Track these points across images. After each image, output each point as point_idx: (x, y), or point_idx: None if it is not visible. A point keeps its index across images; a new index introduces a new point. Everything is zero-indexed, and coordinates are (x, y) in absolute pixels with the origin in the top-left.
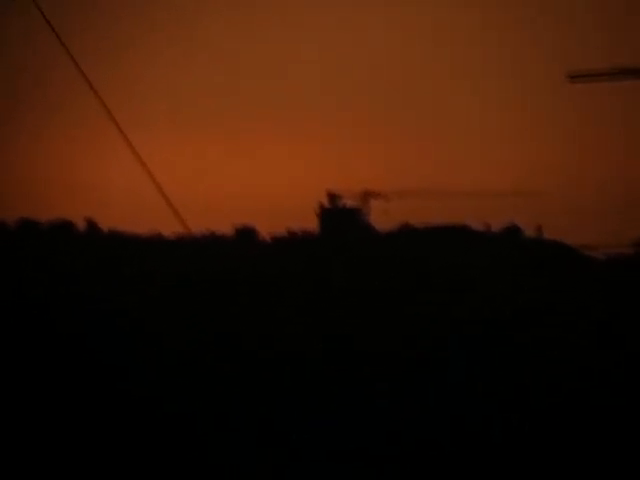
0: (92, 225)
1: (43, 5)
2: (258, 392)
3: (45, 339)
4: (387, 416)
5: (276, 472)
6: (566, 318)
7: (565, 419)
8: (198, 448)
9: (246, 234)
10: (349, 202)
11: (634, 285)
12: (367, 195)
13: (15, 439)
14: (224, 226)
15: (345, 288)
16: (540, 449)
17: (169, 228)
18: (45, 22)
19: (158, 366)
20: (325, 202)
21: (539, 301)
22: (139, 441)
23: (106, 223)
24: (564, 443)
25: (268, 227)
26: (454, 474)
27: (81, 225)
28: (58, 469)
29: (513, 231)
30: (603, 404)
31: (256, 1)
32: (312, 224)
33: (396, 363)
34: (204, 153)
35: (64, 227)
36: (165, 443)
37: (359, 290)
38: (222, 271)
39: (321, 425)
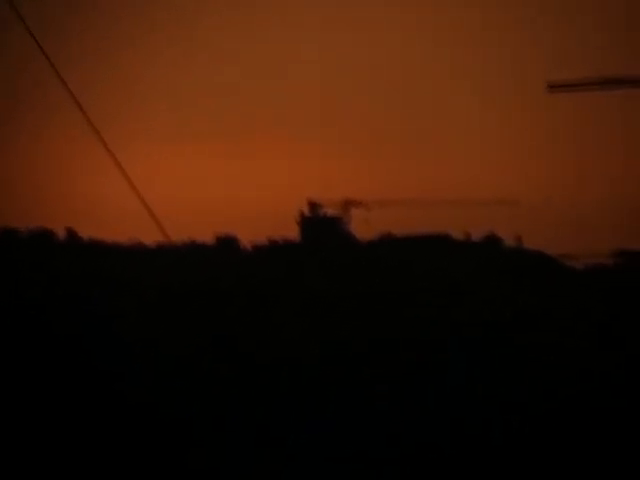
0: (72, 234)
1: (29, 17)
2: (255, 395)
3: (30, 345)
4: (386, 419)
5: (274, 475)
6: (550, 324)
7: (564, 421)
8: (195, 451)
9: (227, 243)
10: (330, 211)
11: (614, 294)
12: (348, 204)
13: (13, 442)
14: (205, 235)
15: (328, 294)
16: (540, 451)
17: (150, 237)
18: (29, 35)
19: (148, 370)
20: (306, 211)
21: (521, 308)
22: (136, 444)
23: (87, 232)
24: (564, 445)
25: (249, 235)
26: (454, 477)
27: (61, 234)
28: (56, 471)
29: (493, 240)
30: (602, 406)
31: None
32: (293, 233)
33: (394, 365)
34: (185, 162)
35: (44, 236)
36: (162, 446)
37: (343, 296)
38: (203, 279)
39: (320, 428)
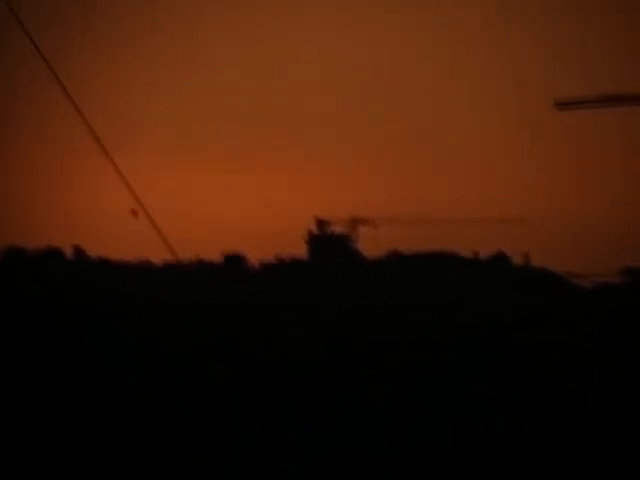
0: (80, 252)
1: (32, 29)
2: (258, 396)
3: (37, 356)
4: (387, 418)
5: (275, 475)
6: (551, 324)
7: (563, 421)
8: (197, 450)
9: (235, 261)
10: (338, 229)
11: (621, 312)
12: (355, 222)
13: (16, 441)
14: (212, 253)
15: (336, 309)
16: (540, 451)
17: (157, 254)
18: (34, 47)
19: (155, 380)
20: (314, 229)
21: (526, 324)
22: (139, 444)
23: (95, 250)
24: (563, 445)
25: (257, 254)
26: (453, 477)
27: (69, 252)
28: (59, 472)
29: (501, 258)
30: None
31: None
32: (301, 250)
33: (395, 365)
34: (192, 181)
35: (52, 254)
36: (165, 445)
37: (350, 309)
38: (210, 296)
39: (321, 427)
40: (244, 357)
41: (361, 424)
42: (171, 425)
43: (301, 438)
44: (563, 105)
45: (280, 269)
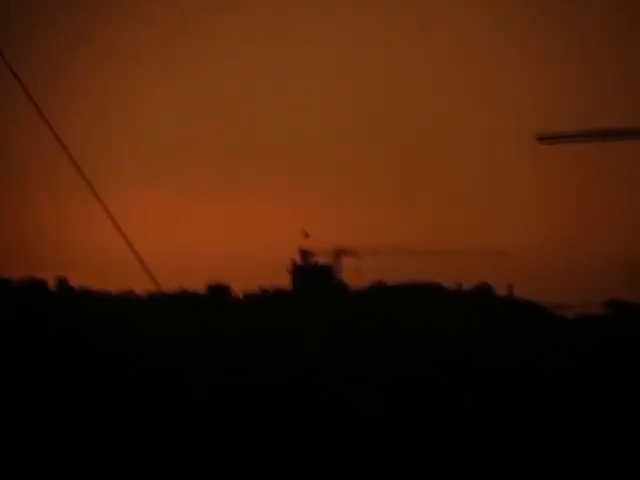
0: (63, 283)
1: (15, 61)
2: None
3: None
4: (377, 426)
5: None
6: (537, 363)
7: (558, 430)
8: (195, 453)
9: (219, 291)
10: (321, 259)
11: (603, 343)
12: (339, 253)
13: (12, 446)
14: (196, 283)
15: (321, 335)
16: (533, 458)
17: (141, 286)
18: (14, 77)
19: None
20: (297, 259)
21: (508, 345)
22: (137, 450)
23: (77, 281)
24: (556, 452)
25: (240, 284)
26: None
27: (52, 283)
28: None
29: (484, 289)
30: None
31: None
32: (285, 281)
33: (384, 380)
34: (176, 212)
35: (35, 285)
36: (161, 450)
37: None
38: (195, 326)
39: (314, 436)
40: (234, 375)
41: (351, 431)
42: (166, 430)
43: (290, 447)
44: (545, 139)
45: (264, 299)
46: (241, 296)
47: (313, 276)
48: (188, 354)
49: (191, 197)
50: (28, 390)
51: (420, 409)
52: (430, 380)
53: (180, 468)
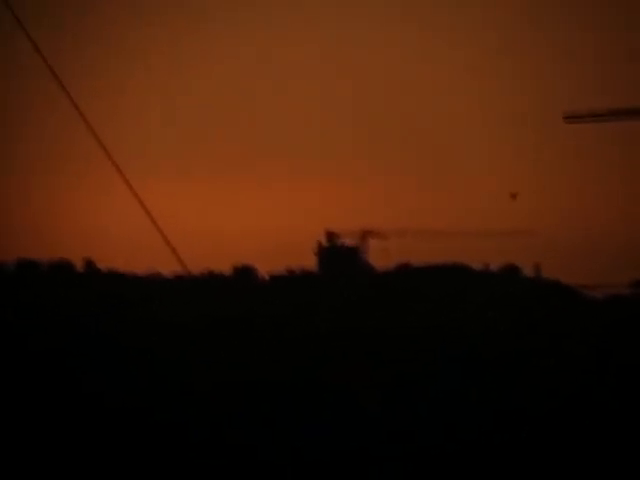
0: (91, 265)
1: (43, 47)
2: (253, 399)
3: (42, 370)
4: (379, 423)
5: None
6: (565, 350)
7: (558, 426)
8: (197, 450)
9: (245, 273)
10: (348, 241)
11: (631, 323)
12: (366, 234)
13: (11, 448)
14: (223, 266)
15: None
16: (539, 455)
17: (168, 268)
18: (47, 67)
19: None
20: (324, 241)
21: (520, 332)
22: (139, 446)
23: (106, 263)
24: (555, 448)
25: (267, 266)
26: (446, 476)
27: (79, 265)
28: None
29: (512, 270)
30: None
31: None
32: (311, 263)
33: (386, 377)
34: (203, 193)
35: (63, 267)
36: (164, 447)
37: (351, 328)
38: (221, 308)
39: (316, 432)
40: (244, 364)
41: (353, 428)
42: (167, 428)
43: (292, 442)
44: (572, 118)
45: (290, 281)
46: (267, 278)
47: (339, 257)
48: (192, 347)
49: (222, 181)
50: (28, 389)
51: (423, 406)
52: (433, 376)
53: (182, 465)
